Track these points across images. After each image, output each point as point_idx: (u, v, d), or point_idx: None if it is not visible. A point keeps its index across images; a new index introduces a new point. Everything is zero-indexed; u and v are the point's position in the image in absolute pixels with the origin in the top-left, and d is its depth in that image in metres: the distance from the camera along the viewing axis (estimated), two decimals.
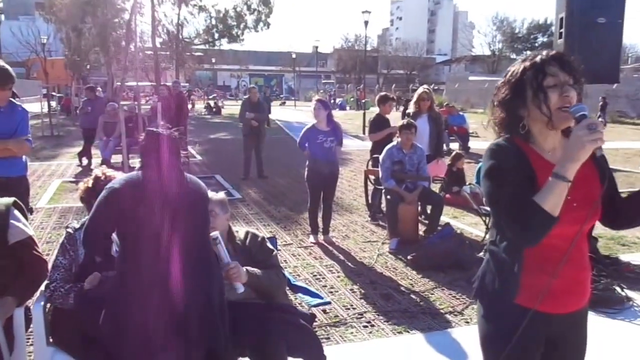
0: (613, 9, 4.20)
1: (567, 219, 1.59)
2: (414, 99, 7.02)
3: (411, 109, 7.02)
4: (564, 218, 1.57)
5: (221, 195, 2.96)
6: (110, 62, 18.54)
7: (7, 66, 3.91)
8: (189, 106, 33.15)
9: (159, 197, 2.29)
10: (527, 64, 1.70)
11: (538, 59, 1.68)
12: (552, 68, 1.65)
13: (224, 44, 33.96)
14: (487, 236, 5.77)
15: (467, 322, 3.98)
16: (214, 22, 31.55)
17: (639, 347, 3.61)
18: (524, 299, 1.69)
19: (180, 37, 31.45)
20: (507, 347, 1.70)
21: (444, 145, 14.12)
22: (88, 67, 30.58)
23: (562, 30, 4.31)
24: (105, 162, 10.00)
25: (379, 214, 7.15)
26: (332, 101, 37.48)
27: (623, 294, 4.35)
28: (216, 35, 32.45)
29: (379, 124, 7.09)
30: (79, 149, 11.61)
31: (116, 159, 10.68)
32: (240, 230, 3.08)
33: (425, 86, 7.16)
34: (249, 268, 2.78)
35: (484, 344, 1.86)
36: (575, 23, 4.21)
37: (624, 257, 5.38)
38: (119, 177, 2.47)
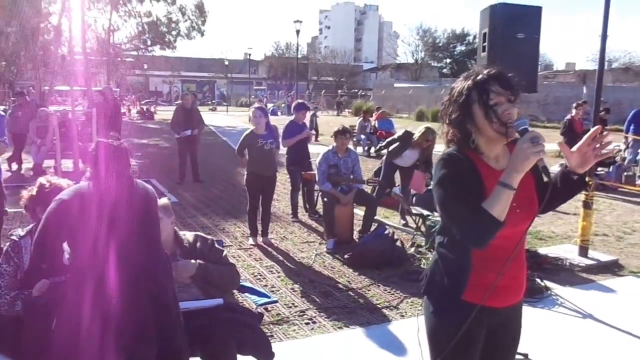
0: (531, 26, 4.60)
1: (510, 222, 1.75)
2: (418, 133, 6.90)
3: (416, 137, 6.93)
4: (508, 221, 1.73)
5: (164, 200, 3.00)
6: (38, 66, 17.57)
7: None
8: (125, 111, 32.15)
9: (109, 206, 2.31)
10: (470, 83, 1.82)
11: (479, 78, 1.80)
12: (494, 86, 1.78)
13: (157, 50, 33.17)
14: (417, 234, 6.09)
15: (402, 316, 4.19)
16: (145, 28, 30.74)
17: (558, 332, 3.99)
18: (471, 295, 1.84)
19: (112, 42, 30.48)
20: (453, 339, 1.85)
21: (373, 148, 14.63)
22: (15, 71, 28.97)
23: (485, 44, 4.67)
24: (37, 166, 9.70)
25: (315, 215, 7.36)
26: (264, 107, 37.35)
27: (542, 284, 4.76)
28: (148, 42, 31.67)
29: (293, 130, 7.30)
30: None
31: (48, 163, 10.29)
32: (188, 234, 3.13)
33: (430, 127, 6.97)
34: (199, 261, 2.85)
35: (431, 337, 1.99)
36: (497, 38, 4.57)
37: (542, 250, 5.85)
38: (68, 189, 2.45)
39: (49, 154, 10.06)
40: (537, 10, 4.66)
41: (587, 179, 5.54)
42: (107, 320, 2.24)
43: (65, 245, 2.41)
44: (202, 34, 31.60)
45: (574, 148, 1.85)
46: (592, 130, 1.85)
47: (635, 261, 5.70)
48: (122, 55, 32.92)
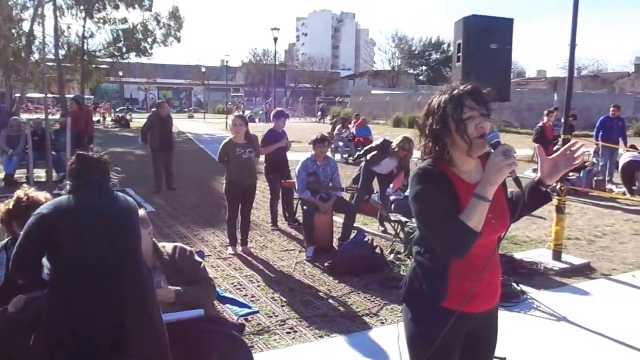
0: (503, 37, 4.74)
1: (486, 232, 1.83)
2: (396, 142, 7.04)
3: (394, 146, 7.08)
4: (484, 231, 1.80)
5: (141, 211, 2.98)
6: (9, 73, 17.22)
7: None
8: (100, 119, 31.74)
9: (89, 220, 2.30)
10: (447, 97, 1.89)
11: (455, 93, 1.88)
12: (469, 101, 1.85)
13: (132, 57, 32.84)
14: (396, 240, 6.16)
15: (383, 323, 4.24)
16: (120, 35, 30.43)
17: (535, 335, 4.08)
18: (450, 302, 1.90)
19: (86, 49, 30.09)
20: (432, 345, 1.89)
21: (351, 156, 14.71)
22: None
23: (460, 54, 4.78)
24: (9, 177, 9.51)
25: (294, 223, 7.39)
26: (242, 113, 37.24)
27: (518, 288, 4.86)
28: (124, 49, 31.34)
29: (271, 138, 7.33)
30: None
31: (20, 173, 10.11)
32: (167, 246, 3.11)
33: (408, 136, 7.04)
34: (177, 288, 2.85)
35: (411, 344, 2.04)
36: (471, 49, 4.69)
37: (517, 255, 5.97)
38: (47, 202, 2.43)
39: (21, 164, 9.88)
40: (508, 22, 4.80)
41: (559, 184, 5.68)
42: (88, 335, 2.23)
43: (44, 260, 2.38)
44: (179, 41, 31.37)
45: (551, 157, 1.96)
46: (568, 144, 1.97)
47: (606, 264, 5.85)
48: (96, 62, 32.52)
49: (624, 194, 10.09)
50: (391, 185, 7.32)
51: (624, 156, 10.61)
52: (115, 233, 2.34)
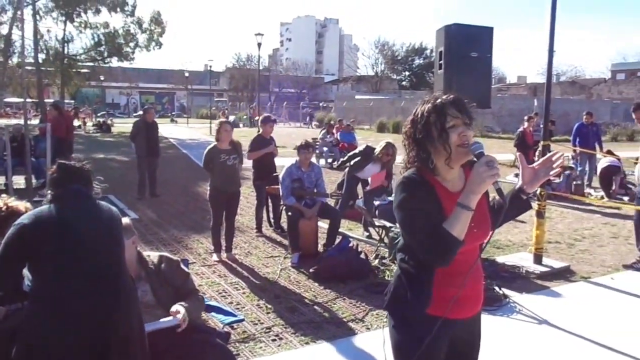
0: (483, 45, 4.82)
1: (469, 240, 1.87)
2: (379, 148, 7.15)
3: (377, 152, 7.18)
4: (467, 239, 1.84)
5: (125, 220, 2.95)
6: None
7: None
8: (80, 124, 31.33)
9: (71, 230, 2.28)
10: (430, 106, 1.93)
11: (439, 102, 1.92)
12: (452, 111, 1.90)
13: (114, 62, 32.59)
14: (381, 245, 6.20)
15: (368, 329, 4.26)
16: (102, 39, 30.16)
17: (517, 338, 4.15)
18: (434, 309, 1.93)
19: (66, 53, 29.79)
20: (417, 351, 1.93)
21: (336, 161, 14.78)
22: None
23: (442, 62, 4.86)
24: None
25: (279, 229, 7.40)
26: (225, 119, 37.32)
27: (501, 292, 4.93)
28: (105, 53, 31.06)
29: (259, 143, 7.35)
30: None
31: None
32: (152, 255, 3.09)
33: (390, 140, 7.28)
34: (183, 305, 2.84)
35: (396, 350, 2.06)
36: (453, 56, 4.77)
37: (500, 259, 6.06)
38: (28, 213, 2.39)
39: None
40: (488, 31, 4.89)
41: (539, 190, 5.76)
42: (71, 347, 2.21)
43: (25, 271, 2.36)
44: (160, 46, 31.23)
45: (532, 166, 2.03)
46: (548, 155, 2.04)
47: (586, 267, 5.96)
48: (77, 67, 32.20)
49: (602, 198, 10.28)
50: (369, 180, 7.42)
51: (602, 161, 10.81)
52: (98, 243, 2.33)
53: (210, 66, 43.75)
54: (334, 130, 17.71)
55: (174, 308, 2.77)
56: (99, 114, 42.44)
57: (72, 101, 43.04)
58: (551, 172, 2.01)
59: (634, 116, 6.41)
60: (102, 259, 2.34)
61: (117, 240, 2.47)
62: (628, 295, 5.14)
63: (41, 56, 27.86)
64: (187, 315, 2.76)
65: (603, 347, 3.97)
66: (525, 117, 12.06)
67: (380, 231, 6.42)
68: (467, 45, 4.73)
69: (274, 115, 35.74)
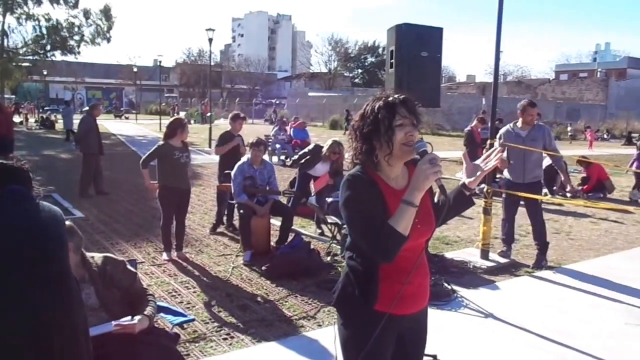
0: (433, 45, 4.91)
1: (413, 236, 1.90)
2: (326, 147, 7.27)
3: (325, 150, 7.29)
4: (411, 235, 1.87)
5: (67, 222, 2.85)
6: None
7: None
8: (22, 120, 30.00)
9: (10, 233, 2.18)
10: (381, 103, 1.96)
11: (390, 100, 1.96)
12: (402, 110, 1.93)
13: (57, 56, 31.31)
14: (333, 242, 6.25)
15: (320, 325, 4.29)
16: (44, 32, 28.91)
17: (464, 332, 4.26)
18: (381, 305, 1.96)
19: (6, 46, 28.41)
20: (365, 347, 1.95)
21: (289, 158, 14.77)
22: None
23: (393, 61, 4.92)
24: None
25: (230, 228, 7.32)
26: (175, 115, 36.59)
27: (449, 287, 5.06)
28: (48, 47, 29.77)
29: (227, 140, 7.28)
30: None
31: None
32: (96, 256, 2.99)
33: (335, 138, 7.41)
34: (147, 314, 2.79)
35: (345, 347, 2.09)
36: (404, 55, 4.83)
37: (448, 255, 6.21)
38: None
39: None
40: (438, 31, 4.99)
41: (485, 187, 5.94)
42: (9, 355, 2.12)
43: None
44: (109, 41, 30.25)
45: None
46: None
47: (530, 261, 6.18)
48: (17, 60, 30.82)
49: (545, 194, 10.69)
50: (312, 185, 7.49)
51: (545, 160, 11.24)
52: (39, 245, 2.23)
53: (160, 61, 42.59)
54: (287, 127, 17.67)
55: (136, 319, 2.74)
56: (42, 110, 40.67)
57: (13, 96, 41.21)
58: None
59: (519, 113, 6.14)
60: (43, 262, 2.24)
61: (60, 242, 2.38)
62: (568, 288, 5.37)
63: None
64: (146, 321, 2.74)
65: (543, 339, 4.14)
66: (474, 116, 12.38)
67: (333, 228, 6.45)
68: (418, 45, 4.81)
69: (226, 111, 35.36)
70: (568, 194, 10.40)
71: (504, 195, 6.14)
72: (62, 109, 28.78)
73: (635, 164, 11.36)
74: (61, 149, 18.65)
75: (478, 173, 2.09)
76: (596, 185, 11.24)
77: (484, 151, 2.59)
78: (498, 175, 10.49)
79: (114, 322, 2.68)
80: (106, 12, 29.56)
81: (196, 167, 13.36)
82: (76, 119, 16.76)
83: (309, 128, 18.96)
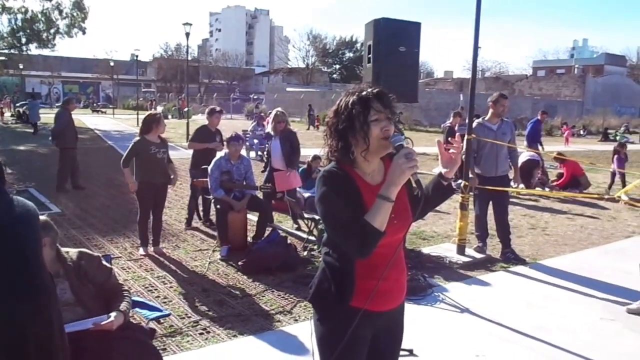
0: (411, 40, 4.91)
1: (390, 231, 1.88)
2: (270, 119, 7.26)
3: (269, 129, 7.28)
4: (387, 231, 1.85)
5: (42, 217, 2.79)
6: None
7: None
8: None
9: None
10: (355, 98, 1.93)
11: (364, 94, 1.92)
12: (376, 104, 1.90)
13: (33, 49, 30.64)
14: (310, 237, 6.24)
15: (296, 320, 4.28)
16: (20, 24, 28.23)
17: (440, 326, 4.30)
18: (357, 301, 1.94)
19: None
20: (340, 343, 1.94)
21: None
22: None
23: (370, 56, 4.91)
24: None
25: (207, 222, 7.26)
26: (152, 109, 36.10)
27: (426, 282, 5.09)
28: (23, 40, 29.09)
29: (203, 134, 7.20)
30: None
31: None
32: (71, 252, 2.94)
33: (279, 109, 7.39)
34: (121, 310, 2.77)
35: (320, 343, 2.07)
36: (381, 50, 4.83)
37: (425, 250, 6.26)
38: None
39: None
40: (416, 26, 4.99)
41: (462, 182, 5.98)
42: (9, 346, 2.07)
43: None
44: (84, 32, 29.71)
45: (448, 152, 2.05)
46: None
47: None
48: None
49: (522, 188, 10.84)
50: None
51: (523, 155, 11.40)
52: (12, 240, 2.18)
53: (137, 56, 41.94)
54: (265, 123, 17.57)
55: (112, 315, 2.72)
56: (18, 104, 39.70)
57: None
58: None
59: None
60: (16, 257, 2.19)
61: (33, 237, 2.32)
62: (543, 283, 5.45)
63: None
64: (121, 317, 2.72)
65: (518, 334, 4.19)
66: (452, 113, 12.48)
67: (310, 223, 6.45)
68: (396, 40, 4.80)
69: (203, 106, 35.00)
70: (547, 188, 10.57)
71: (475, 192, 6.21)
72: (28, 101, 28.14)
73: (615, 164, 11.59)
74: (37, 144, 18.29)
75: (456, 162, 2.02)
76: (570, 181, 11.44)
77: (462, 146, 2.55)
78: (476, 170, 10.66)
79: (91, 323, 2.64)
80: (79, 4, 29.00)
81: (174, 163, 13.20)
82: (51, 113, 16.46)
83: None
